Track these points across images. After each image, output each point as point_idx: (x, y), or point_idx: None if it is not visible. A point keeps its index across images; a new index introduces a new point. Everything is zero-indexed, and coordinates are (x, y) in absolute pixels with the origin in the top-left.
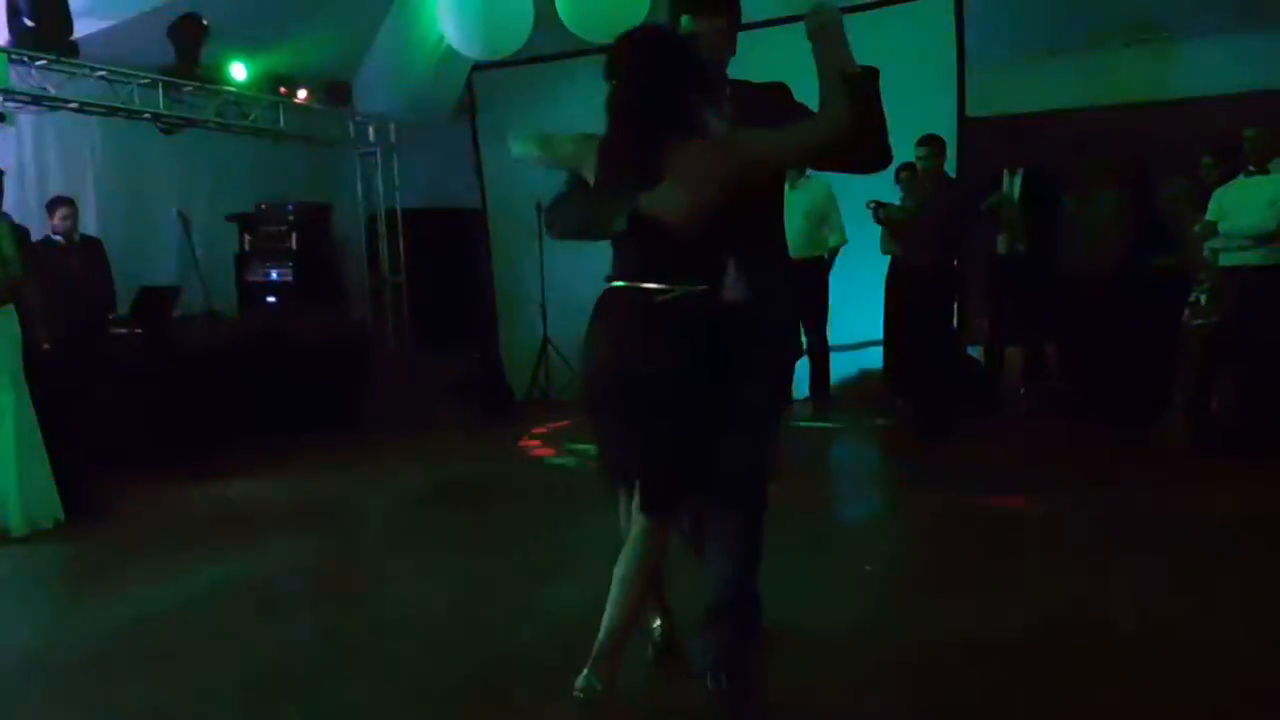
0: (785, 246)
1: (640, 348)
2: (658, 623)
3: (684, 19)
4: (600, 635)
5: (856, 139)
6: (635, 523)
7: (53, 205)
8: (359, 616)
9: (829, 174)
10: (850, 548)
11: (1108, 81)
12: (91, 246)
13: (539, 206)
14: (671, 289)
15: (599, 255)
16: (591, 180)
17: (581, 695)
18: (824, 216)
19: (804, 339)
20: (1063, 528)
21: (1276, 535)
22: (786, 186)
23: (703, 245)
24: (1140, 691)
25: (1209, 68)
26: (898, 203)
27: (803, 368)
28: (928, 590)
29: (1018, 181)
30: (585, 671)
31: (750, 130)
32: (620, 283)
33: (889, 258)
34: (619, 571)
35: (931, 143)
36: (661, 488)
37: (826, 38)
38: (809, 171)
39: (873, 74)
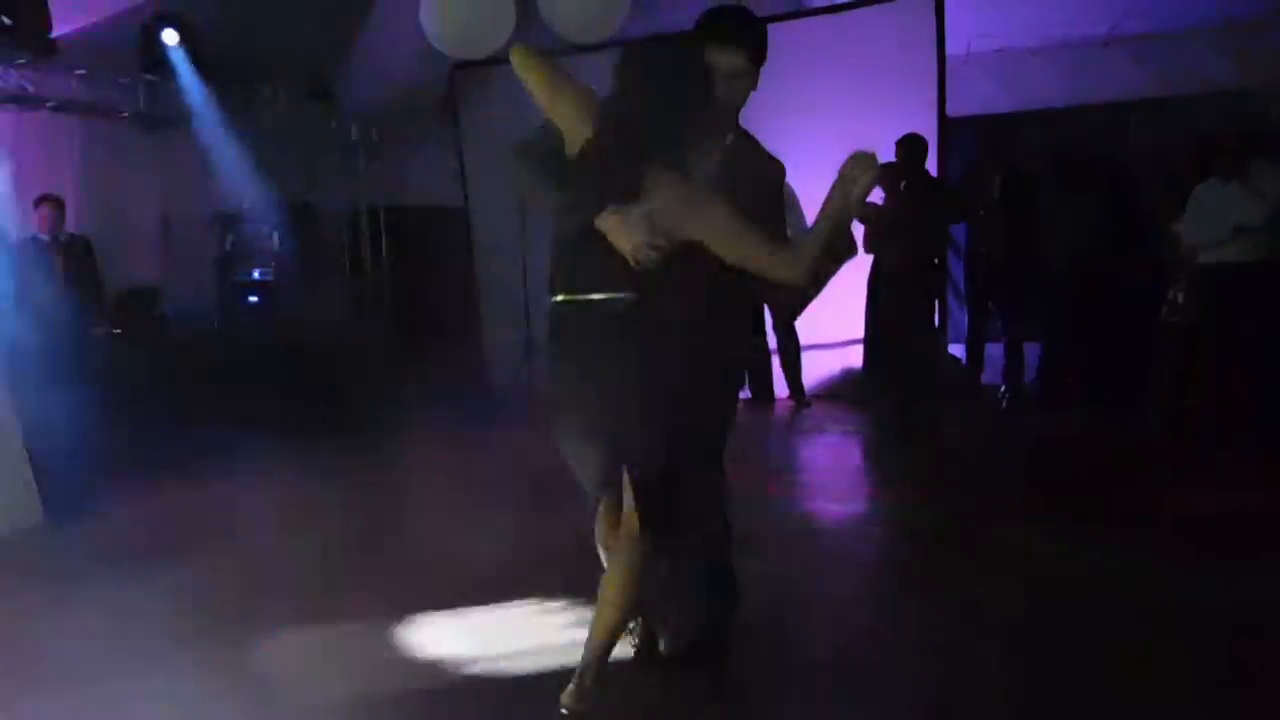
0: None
1: (602, 361)
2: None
3: (705, 48)
4: (584, 652)
5: (793, 292)
6: (624, 541)
7: (38, 203)
8: (342, 621)
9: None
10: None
11: (1088, 80)
12: (78, 245)
13: (522, 205)
14: (622, 297)
15: None
16: (566, 144)
17: (567, 713)
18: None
19: (776, 338)
20: (1038, 526)
21: (1254, 532)
22: None
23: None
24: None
25: (1189, 67)
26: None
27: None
28: (895, 590)
29: (999, 180)
30: (570, 688)
31: (729, 204)
32: (562, 297)
33: (871, 257)
34: (603, 592)
35: (910, 143)
36: (658, 506)
37: (855, 186)
38: None
39: (852, 252)
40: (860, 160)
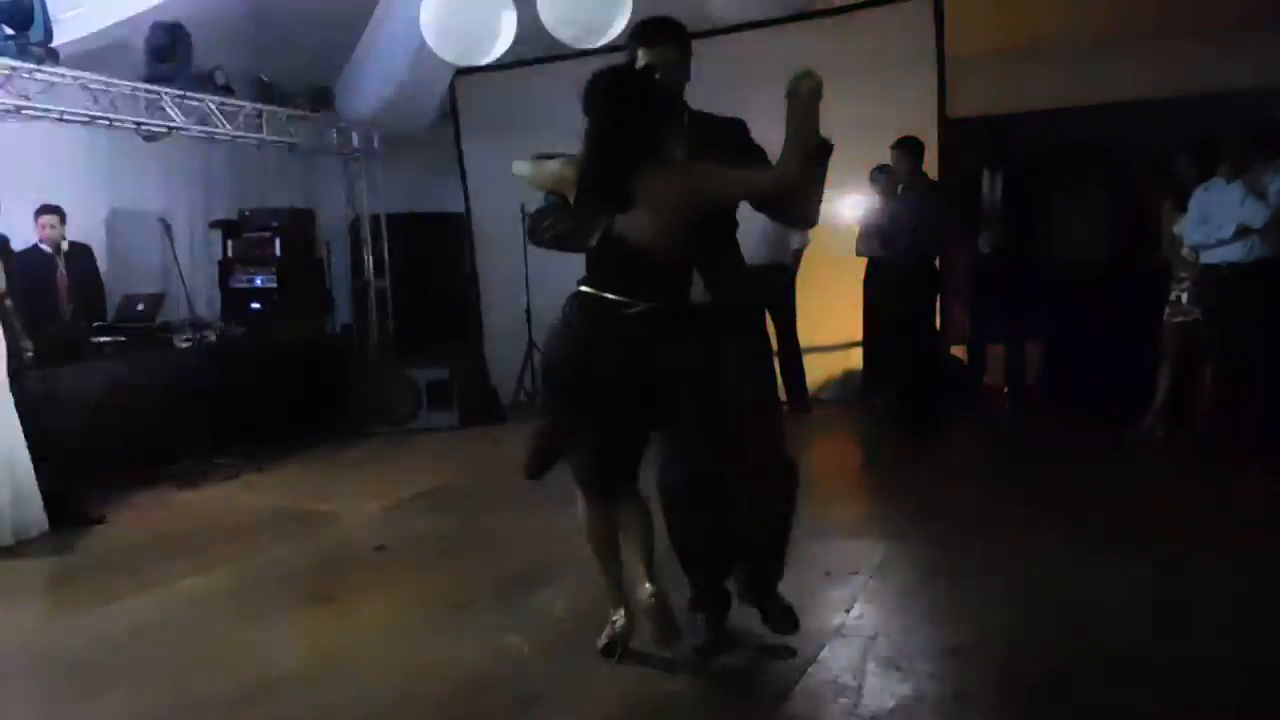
0: (739, 255)
1: (606, 353)
2: (620, 615)
3: (639, 51)
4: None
5: (794, 199)
6: (581, 497)
7: (39, 214)
8: (346, 624)
9: None
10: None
11: (1088, 81)
12: (80, 255)
13: (523, 210)
14: (637, 303)
15: (579, 262)
16: (571, 200)
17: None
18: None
19: (777, 343)
20: (1040, 527)
21: (1254, 531)
22: None
23: (666, 262)
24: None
25: (1189, 67)
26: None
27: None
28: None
29: (999, 181)
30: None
31: (710, 164)
32: (589, 289)
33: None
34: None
35: (902, 145)
36: (602, 472)
37: (805, 103)
38: None
39: (828, 148)
40: (804, 78)
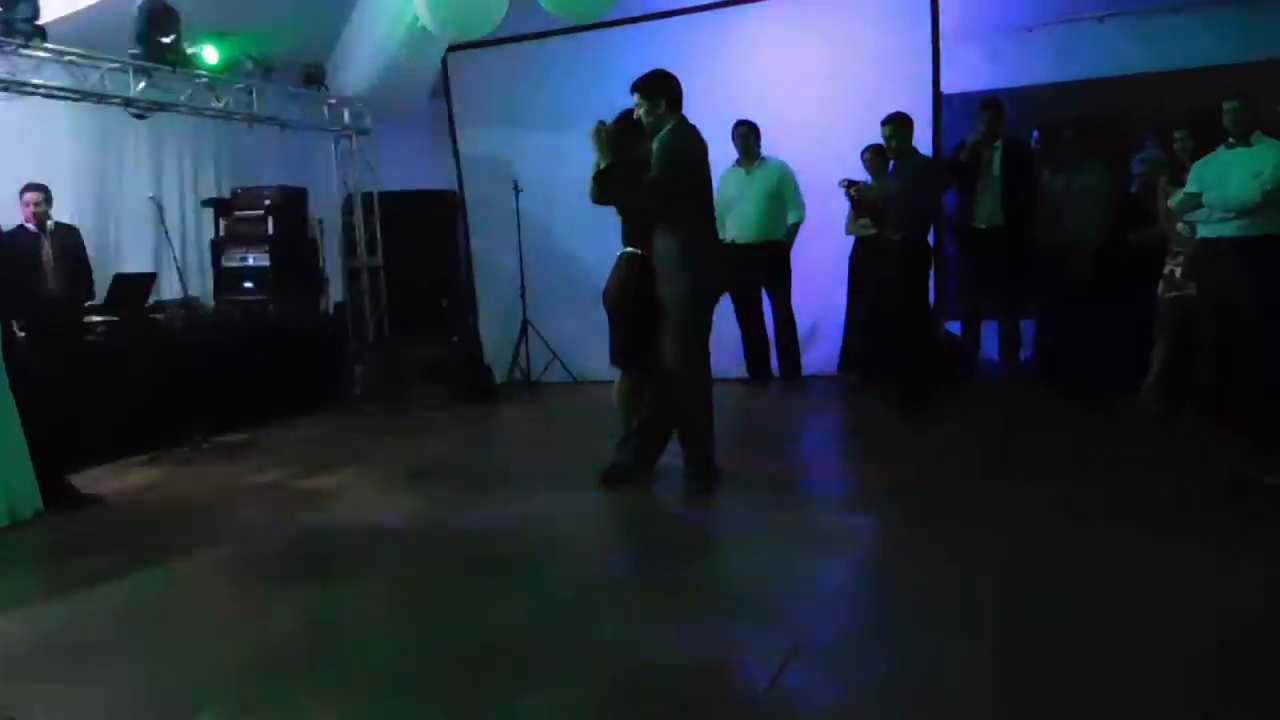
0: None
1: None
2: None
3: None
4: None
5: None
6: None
7: (23, 191)
8: (342, 600)
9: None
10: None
11: (1083, 56)
12: (67, 234)
13: (516, 187)
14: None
15: (574, 240)
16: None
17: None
18: (781, 195)
19: (773, 320)
20: (1037, 501)
21: (1247, 504)
22: (744, 171)
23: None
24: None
25: (1185, 42)
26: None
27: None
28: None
29: (997, 154)
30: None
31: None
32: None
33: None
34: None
35: (894, 121)
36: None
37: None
38: (763, 154)
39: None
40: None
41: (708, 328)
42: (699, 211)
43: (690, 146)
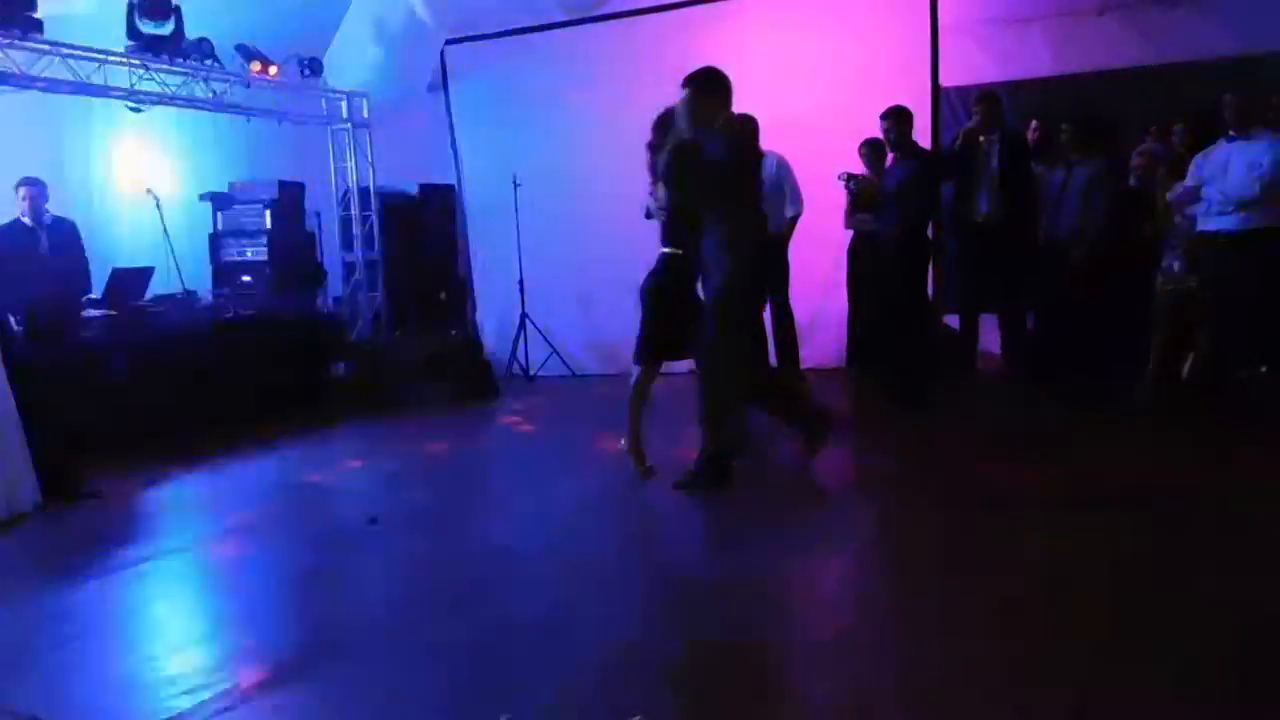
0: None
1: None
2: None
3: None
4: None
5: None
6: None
7: (19, 185)
8: (345, 595)
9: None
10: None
11: (1082, 49)
12: (63, 227)
13: (515, 181)
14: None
15: (572, 233)
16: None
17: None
18: (780, 188)
19: (771, 315)
20: (1037, 495)
21: (1243, 498)
22: None
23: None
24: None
25: (1183, 35)
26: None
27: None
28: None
29: (996, 148)
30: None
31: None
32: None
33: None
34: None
35: (893, 114)
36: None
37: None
38: (761, 148)
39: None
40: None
41: (750, 324)
42: (748, 204)
43: (742, 140)
